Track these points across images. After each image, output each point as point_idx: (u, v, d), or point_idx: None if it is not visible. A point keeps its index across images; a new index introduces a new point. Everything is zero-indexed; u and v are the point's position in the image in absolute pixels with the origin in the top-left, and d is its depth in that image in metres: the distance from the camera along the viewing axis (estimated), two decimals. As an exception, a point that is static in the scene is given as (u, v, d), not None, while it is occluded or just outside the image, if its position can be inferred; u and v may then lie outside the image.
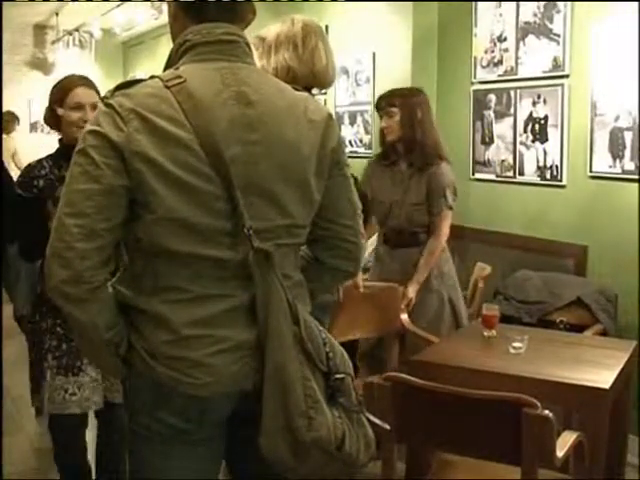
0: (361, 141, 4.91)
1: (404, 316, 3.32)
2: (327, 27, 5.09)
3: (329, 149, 1.53)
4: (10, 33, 8.20)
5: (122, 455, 2.64)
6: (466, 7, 4.24)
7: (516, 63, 3.94)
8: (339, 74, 5.01)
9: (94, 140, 1.38)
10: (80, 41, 8.47)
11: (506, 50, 3.99)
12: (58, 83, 2.56)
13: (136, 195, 1.40)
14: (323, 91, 4.84)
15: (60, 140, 2.55)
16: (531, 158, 3.89)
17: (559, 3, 3.67)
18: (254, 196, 1.44)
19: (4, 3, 5.85)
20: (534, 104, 3.83)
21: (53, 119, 2.52)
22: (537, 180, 3.87)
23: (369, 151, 4.72)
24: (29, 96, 8.82)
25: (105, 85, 2.12)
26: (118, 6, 7.11)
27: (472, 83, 4.24)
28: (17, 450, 3.38)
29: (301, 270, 1.59)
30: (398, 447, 2.16)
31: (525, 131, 3.90)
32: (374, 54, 4.75)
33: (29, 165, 2.53)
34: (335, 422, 1.41)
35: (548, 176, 3.79)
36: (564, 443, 2.07)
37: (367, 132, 4.86)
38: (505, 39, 4.00)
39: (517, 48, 3.92)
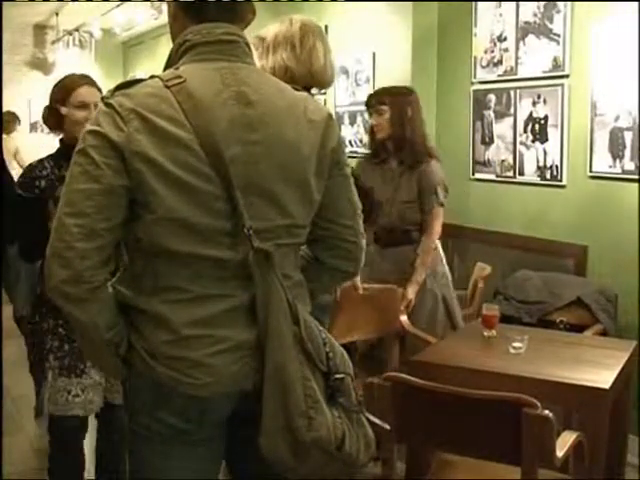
0: (361, 141, 4.91)
1: (404, 317, 3.31)
2: (327, 27, 5.09)
3: (329, 149, 1.53)
4: (10, 33, 8.20)
5: (122, 455, 2.64)
6: (466, 7, 4.24)
7: (516, 63, 3.94)
8: (339, 74, 5.01)
9: (94, 140, 1.38)
10: (80, 41, 8.47)
11: (506, 50, 3.99)
12: (60, 82, 2.54)
13: (136, 195, 1.40)
14: (323, 91, 4.85)
15: (61, 140, 2.54)
16: (531, 158, 3.89)
17: (559, 3, 3.67)
18: (254, 196, 1.44)
19: (4, 3, 5.85)
20: (534, 104, 3.83)
21: (55, 118, 2.50)
22: (537, 180, 3.87)
23: (369, 151, 4.71)
24: (29, 96, 8.82)
25: (105, 85, 2.11)
26: (118, 6, 7.10)
27: (472, 83, 4.24)
28: (17, 450, 3.38)
29: (301, 270, 1.59)
30: (398, 447, 2.16)
31: (525, 131, 3.90)
32: (374, 54, 4.75)
33: (30, 165, 2.52)
34: (335, 422, 1.41)
35: (548, 176, 3.79)
36: (564, 443, 2.07)
37: (367, 132, 4.86)
38: (505, 39, 4.00)
39: (517, 48, 3.92)
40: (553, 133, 3.74)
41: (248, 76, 1.49)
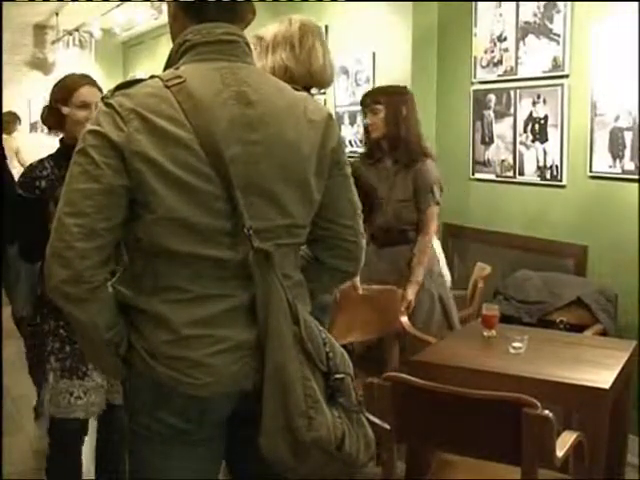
0: (361, 141, 4.89)
1: (404, 318, 3.31)
2: (327, 27, 5.10)
3: (329, 149, 1.53)
4: (10, 33, 8.20)
5: (122, 455, 2.63)
6: (466, 7, 4.24)
7: (516, 63, 3.94)
8: (339, 74, 5.01)
9: (94, 140, 1.38)
10: (80, 41, 8.47)
11: (506, 50, 3.99)
12: (60, 82, 2.53)
13: (136, 195, 1.40)
14: (322, 91, 4.85)
15: (61, 140, 2.53)
16: (531, 158, 3.89)
17: (559, 3, 3.67)
18: (254, 196, 1.44)
19: (4, 3, 5.85)
20: (534, 104, 3.83)
21: (56, 118, 2.48)
22: (537, 180, 3.87)
23: (363, 151, 4.72)
24: (29, 96, 8.82)
25: (105, 85, 2.11)
26: (118, 6, 7.11)
27: (472, 83, 4.24)
28: (17, 450, 3.38)
29: (301, 270, 1.59)
30: (398, 447, 2.16)
31: (525, 131, 3.90)
32: (374, 54, 4.75)
33: (30, 165, 2.50)
34: (335, 422, 1.41)
35: (548, 176, 3.79)
36: (564, 443, 2.07)
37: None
38: (505, 39, 4.00)
39: (517, 48, 3.92)
40: (553, 133, 3.74)
41: (248, 76, 1.49)
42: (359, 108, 4.89)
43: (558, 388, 2.39)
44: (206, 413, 1.48)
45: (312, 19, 2.44)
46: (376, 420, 1.50)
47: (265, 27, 2.38)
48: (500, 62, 4.04)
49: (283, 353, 1.41)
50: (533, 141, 3.86)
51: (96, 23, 7.91)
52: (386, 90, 3.57)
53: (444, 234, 4.45)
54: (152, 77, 1.46)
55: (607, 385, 2.35)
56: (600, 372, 2.46)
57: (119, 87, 1.44)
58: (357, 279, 3.05)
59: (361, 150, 4.81)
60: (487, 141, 4.17)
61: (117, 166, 1.38)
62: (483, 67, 4.16)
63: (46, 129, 2.61)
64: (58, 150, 2.53)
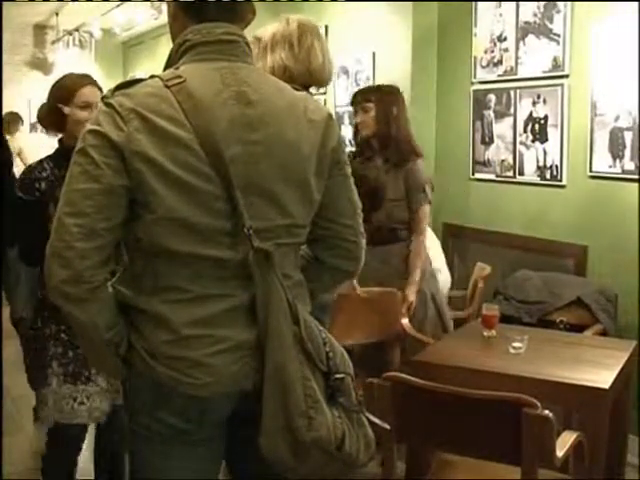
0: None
1: (405, 320, 3.30)
2: (327, 27, 5.10)
3: (329, 149, 1.54)
4: (10, 33, 8.20)
5: (122, 455, 2.63)
6: (466, 7, 4.24)
7: (516, 63, 3.93)
8: (339, 74, 5.01)
9: (94, 140, 1.38)
10: (80, 41, 8.47)
11: (506, 50, 3.99)
12: (60, 82, 2.51)
13: (136, 195, 1.40)
14: (322, 91, 4.85)
15: (60, 140, 2.51)
16: (531, 158, 3.89)
17: (559, 3, 3.66)
18: (254, 196, 1.44)
19: (4, 3, 5.85)
20: (534, 104, 3.83)
21: (56, 118, 2.45)
22: (537, 180, 3.86)
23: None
24: (29, 96, 8.82)
25: (105, 85, 2.11)
26: (118, 6, 7.11)
27: (472, 83, 4.24)
28: (17, 450, 3.38)
29: (301, 270, 1.59)
30: (398, 447, 2.16)
31: (525, 131, 3.90)
32: (374, 54, 4.75)
33: (29, 166, 2.48)
34: (335, 422, 1.41)
35: (548, 176, 3.79)
36: (564, 443, 2.07)
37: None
38: (505, 39, 4.00)
39: (517, 48, 3.92)
40: (553, 133, 3.74)
41: (248, 76, 1.49)
42: (358, 108, 4.91)
43: (558, 388, 2.39)
44: (206, 413, 1.48)
45: (310, 19, 2.43)
46: (376, 420, 1.50)
47: (263, 28, 2.38)
48: (500, 62, 4.04)
49: (283, 353, 1.41)
50: (533, 141, 3.86)
51: (96, 23, 7.91)
52: (377, 89, 3.58)
53: (444, 234, 4.45)
54: (152, 77, 1.46)
55: (607, 385, 2.35)
56: (600, 372, 2.46)
57: (119, 87, 1.44)
58: (354, 279, 3.04)
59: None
60: (487, 141, 4.17)
61: (117, 166, 1.38)
62: (483, 67, 4.16)
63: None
64: (57, 150, 2.50)
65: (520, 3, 3.88)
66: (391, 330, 3.29)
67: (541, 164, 3.82)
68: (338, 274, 1.69)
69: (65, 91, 2.45)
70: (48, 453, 2.54)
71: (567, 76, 3.65)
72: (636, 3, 3.27)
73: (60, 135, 2.50)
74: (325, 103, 4.96)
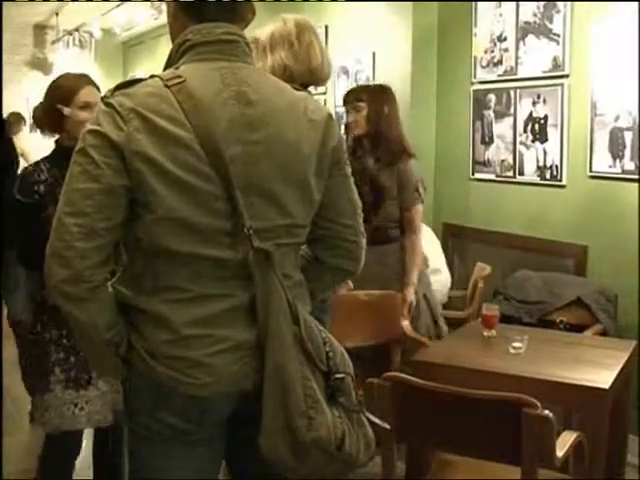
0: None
1: (405, 323, 3.29)
2: (327, 27, 5.11)
3: (329, 148, 1.53)
4: (10, 33, 8.20)
5: (120, 455, 2.62)
6: (466, 7, 4.24)
7: (516, 63, 3.94)
8: (339, 74, 5.01)
9: (94, 139, 1.38)
10: (80, 41, 8.47)
11: (506, 50, 3.99)
12: (58, 82, 2.47)
13: (136, 195, 1.40)
14: (322, 91, 4.85)
15: (57, 141, 2.45)
16: (531, 158, 3.89)
17: (559, 3, 3.67)
18: (254, 196, 1.44)
19: (4, 3, 5.85)
20: (534, 104, 3.83)
21: (54, 119, 2.41)
22: (537, 180, 3.86)
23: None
24: (29, 96, 8.82)
25: (105, 85, 2.10)
26: (118, 6, 7.11)
27: (472, 83, 4.24)
28: (17, 450, 3.38)
29: (301, 270, 1.59)
30: (398, 447, 2.16)
31: (525, 131, 3.90)
32: (374, 54, 4.75)
33: (26, 169, 2.43)
34: (335, 422, 1.41)
35: (548, 176, 3.79)
36: (564, 443, 2.07)
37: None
38: (505, 39, 4.00)
39: (517, 48, 3.92)
40: (553, 133, 3.74)
41: (248, 76, 1.49)
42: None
43: (558, 388, 2.39)
44: (206, 413, 1.47)
45: (307, 19, 2.43)
46: (376, 420, 1.50)
47: (260, 29, 2.37)
48: (500, 62, 4.04)
49: (283, 353, 1.41)
50: (533, 141, 3.86)
51: (96, 23, 7.91)
52: (369, 88, 3.57)
53: (444, 234, 4.45)
54: (152, 77, 1.46)
55: (607, 385, 2.35)
56: (600, 372, 2.46)
57: (119, 87, 1.44)
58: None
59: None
60: (487, 141, 4.17)
61: (117, 166, 1.38)
62: (483, 67, 4.16)
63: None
64: (54, 152, 2.45)
65: (520, 3, 3.88)
66: (392, 332, 3.28)
67: (541, 164, 3.82)
68: (338, 274, 1.69)
69: (64, 92, 2.41)
70: (46, 459, 2.50)
71: (567, 76, 3.66)
72: (636, 3, 3.27)
73: (56, 136, 2.45)
74: (325, 103, 4.96)
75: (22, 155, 7.69)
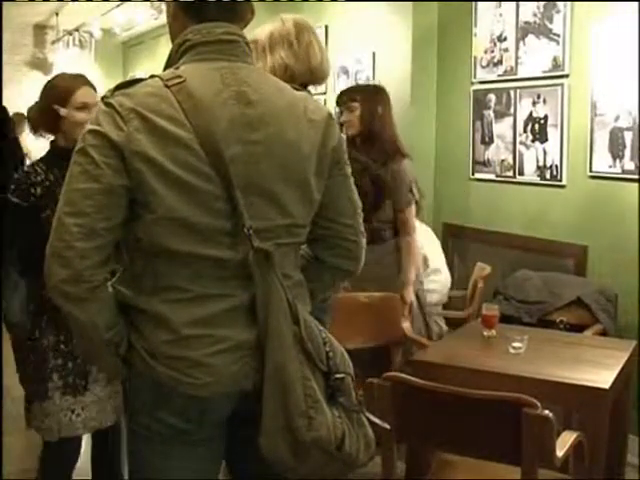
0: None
1: (406, 324, 3.28)
2: (327, 27, 5.11)
3: (329, 148, 1.54)
4: (10, 33, 8.20)
5: (119, 455, 2.62)
6: (466, 7, 4.24)
7: (516, 63, 3.94)
8: (339, 74, 5.01)
9: (94, 139, 1.38)
10: (80, 41, 8.47)
11: (506, 50, 3.99)
12: (54, 83, 2.44)
13: (136, 195, 1.40)
14: (322, 91, 4.85)
15: (52, 142, 2.42)
16: (531, 158, 3.88)
17: (559, 3, 3.66)
18: (254, 196, 1.44)
19: (4, 3, 5.85)
20: (534, 104, 3.83)
21: (50, 119, 2.37)
22: (537, 180, 3.86)
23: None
24: (29, 96, 8.81)
25: (105, 85, 2.10)
26: (118, 6, 7.11)
27: (472, 83, 4.24)
28: (17, 450, 3.38)
29: (301, 269, 1.59)
30: (398, 447, 2.16)
31: (525, 131, 3.90)
32: (374, 54, 4.75)
33: (23, 171, 2.38)
34: (335, 422, 1.41)
35: (548, 176, 3.79)
36: (564, 443, 2.07)
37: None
38: (505, 39, 4.00)
39: (517, 48, 3.92)
40: (553, 133, 3.74)
41: (248, 76, 1.49)
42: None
43: (558, 388, 2.39)
44: (206, 413, 1.47)
45: (306, 19, 2.43)
46: (376, 420, 1.50)
47: (258, 29, 2.37)
48: (500, 62, 4.04)
49: (283, 353, 1.41)
50: (533, 141, 3.86)
51: (96, 23, 7.91)
52: (362, 88, 3.58)
53: (444, 234, 4.45)
54: (152, 77, 1.46)
55: (607, 385, 2.35)
56: (600, 372, 2.46)
57: (119, 87, 1.44)
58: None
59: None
60: (487, 141, 4.17)
61: (117, 166, 1.37)
62: (483, 67, 4.16)
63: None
64: (49, 153, 2.42)
65: (520, 3, 3.88)
66: (392, 334, 3.28)
67: (541, 164, 3.82)
68: (338, 274, 1.69)
69: (61, 92, 2.38)
70: (45, 465, 2.49)
71: (567, 76, 3.66)
72: (636, 3, 3.27)
73: (53, 137, 2.42)
74: (325, 103, 4.96)
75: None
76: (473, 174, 4.29)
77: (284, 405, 1.39)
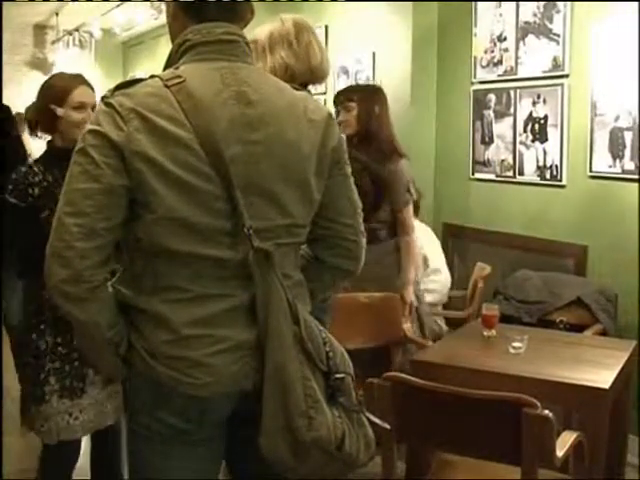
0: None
1: (407, 325, 3.28)
2: (327, 27, 5.10)
3: (329, 148, 1.54)
4: (10, 33, 8.19)
5: (118, 455, 2.62)
6: (466, 7, 4.24)
7: (516, 63, 3.94)
8: (339, 74, 5.01)
9: (94, 140, 1.38)
10: (80, 41, 8.46)
11: (506, 50, 3.99)
12: (51, 82, 2.42)
13: (136, 195, 1.40)
14: (322, 91, 4.85)
15: (49, 142, 2.40)
16: (531, 158, 3.88)
17: (559, 3, 3.66)
18: (254, 196, 1.44)
19: (4, 3, 5.85)
20: (534, 104, 3.83)
21: (47, 119, 2.35)
22: (537, 180, 3.86)
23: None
24: (29, 96, 8.81)
25: (105, 85, 2.10)
26: (118, 6, 7.10)
27: (472, 83, 4.24)
28: (17, 450, 3.37)
29: (301, 269, 1.59)
30: (398, 447, 2.16)
31: (525, 131, 3.90)
32: (374, 54, 4.75)
33: (19, 171, 2.34)
34: (335, 422, 1.41)
35: (548, 176, 3.79)
36: (564, 443, 2.07)
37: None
38: (505, 39, 4.00)
39: (517, 48, 3.92)
40: (553, 133, 3.73)
41: (248, 76, 1.49)
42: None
43: (558, 388, 2.39)
44: (206, 413, 1.47)
45: (305, 18, 2.43)
46: (376, 420, 1.50)
47: (257, 29, 2.37)
48: (500, 62, 4.04)
49: (283, 353, 1.41)
50: (533, 141, 3.86)
51: (96, 23, 7.90)
52: (359, 88, 3.58)
53: (444, 234, 4.45)
54: (152, 77, 1.46)
55: (607, 385, 2.35)
56: (600, 372, 2.46)
57: (119, 87, 1.44)
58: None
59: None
60: (487, 141, 4.17)
61: (117, 166, 1.38)
62: (483, 67, 4.16)
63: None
64: (46, 153, 2.40)
65: (520, 3, 3.88)
66: (392, 334, 3.27)
67: (541, 164, 3.82)
68: (338, 274, 1.69)
69: (58, 92, 2.36)
70: (44, 468, 2.48)
71: (567, 76, 3.66)
72: (636, 3, 3.27)
73: (50, 137, 2.40)
74: (325, 103, 4.96)
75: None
76: (473, 174, 4.29)
77: (284, 405, 1.39)
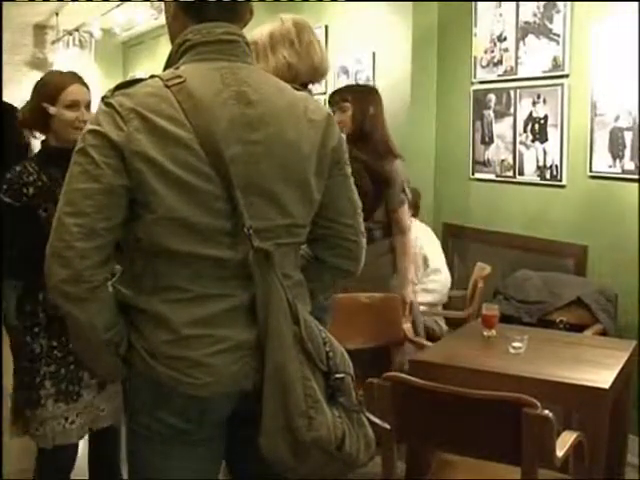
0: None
1: (407, 325, 3.27)
2: (327, 27, 5.10)
3: (329, 148, 1.54)
4: (10, 33, 8.19)
5: (118, 456, 2.61)
6: (466, 7, 4.24)
7: (516, 63, 3.94)
8: (339, 74, 5.01)
9: (94, 139, 1.38)
10: (80, 41, 8.46)
11: (506, 50, 3.99)
12: (44, 80, 2.39)
13: (136, 195, 1.40)
14: (322, 91, 4.85)
15: (43, 142, 2.38)
16: (531, 158, 3.89)
17: (559, 3, 3.67)
18: (254, 196, 1.44)
19: (4, 3, 5.85)
20: (534, 104, 3.83)
21: (40, 118, 2.32)
22: (537, 180, 3.86)
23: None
24: (28, 96, 8.80)
25: (105, 85, 2.09)
26: (118, 6, 7.10)
27: (472, 83, 4.24)
28: (17, 450, 3.37)
29: (301, 269, 1.59)
30: (398, 447, 2.16)
31: (525, 131, 3.90)
32: (374, 54, 4.75)
33: (14, 170, 2.31)
34: (335, 422, 1.41)
35: (548, 176, 3.79)
36: (564, 443, 2.07)
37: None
38: (505, 39, 4.00)
39: (517, 48, 3.92)
40: (553, 133, 3.74)
41: (248, 76, 1.49)
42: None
43: (558, 388, 2.39)
44: (206, 413, 1.47)
45: (305, 18, 2.43)
46: (376, 420, 1.50)
47: (256, 29, 2.37)
48: (500, 62, 4.04)
49: (283, 353, 1.41)
50: (533, 141, 3.86)
51: (96, 23, 7.90)
52: (354, 88, 3.59)
53: (444, 234, 4.45)
54: (152, 77, 1.46)
55: (607, 385, 2.35)
56: (600, 372, 2.46)
57: (119, 87, 1.44)
58: None
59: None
60: (487, 141, 4.17)
61: (117, 166, 1.38)
62: (483, 67, 4.16)
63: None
64: (40, 152, 2.38)
65: (520, 3, 3.88)
66: (392, 335, 3.27)
67: (541, 164, 3.82)
68: (338, 274, 1.69)
69: (51, 89, 2.33)
70: (41, 473, 2.45)
71: (567, 76, 3.66)
72: (636, 3, 3.27)
73: (44, 136, 2.38)
74: (325, 103, 4.96)
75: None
76: (473, 174, 4.29)
77: (284, 405, 1.39)
